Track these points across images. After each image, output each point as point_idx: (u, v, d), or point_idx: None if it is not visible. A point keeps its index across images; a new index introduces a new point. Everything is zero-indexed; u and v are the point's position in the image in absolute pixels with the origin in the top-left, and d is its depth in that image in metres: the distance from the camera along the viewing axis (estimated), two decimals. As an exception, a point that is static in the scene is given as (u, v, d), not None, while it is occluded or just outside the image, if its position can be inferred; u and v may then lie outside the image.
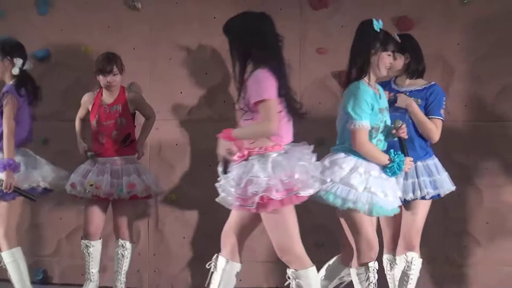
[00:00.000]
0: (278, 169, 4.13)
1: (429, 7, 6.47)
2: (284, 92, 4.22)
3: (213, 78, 6.76)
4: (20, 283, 5.80)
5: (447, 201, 5.96)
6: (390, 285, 5.34)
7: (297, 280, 4.54)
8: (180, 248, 6.74)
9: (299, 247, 4.43)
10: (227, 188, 4.25)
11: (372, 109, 4.52)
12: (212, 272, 4.92)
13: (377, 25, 4.76)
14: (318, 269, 5.75)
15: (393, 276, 5.37)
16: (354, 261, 4.63)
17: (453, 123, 6.32)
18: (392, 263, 5.38)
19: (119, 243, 6.07)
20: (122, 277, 6.13)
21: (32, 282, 6.37)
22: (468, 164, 6.19)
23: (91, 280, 6.08)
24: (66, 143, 6.67)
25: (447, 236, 6.36)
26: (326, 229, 6.45)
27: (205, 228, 6.66)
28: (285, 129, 4.30)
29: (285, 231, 4.31)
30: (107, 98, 6.08)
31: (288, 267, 4.63)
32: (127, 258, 6.13)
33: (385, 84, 5.39)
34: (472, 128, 6.42)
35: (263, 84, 4.12)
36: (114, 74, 5.95)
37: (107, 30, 6.82)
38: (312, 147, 4.39)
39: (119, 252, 6.08)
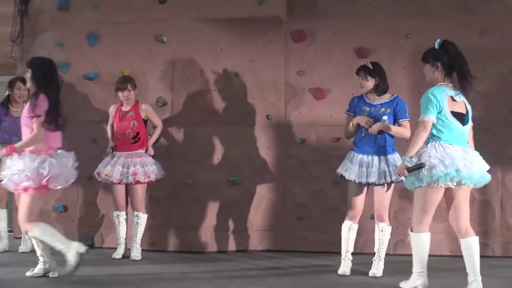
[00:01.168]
0: (41, 166, 5.19)
1: (381, 40, 7.07)
2: (53, 111, 5.31)
3: (221, 93, 7.32)
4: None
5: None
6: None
7: None
8: (194, 219, 7.24)
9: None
10: (9, 176, 5.26)
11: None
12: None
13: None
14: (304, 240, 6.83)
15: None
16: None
17: None
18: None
19: (134, 213, 6.69)
20: (138, 239, 6.67)
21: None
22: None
23: (121, 243, 6.72)
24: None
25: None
26: (305, 206, 7.17)
27: (213, 205, 7.25)
28: (52, 137, 5.36)
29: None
30: (125, 107, 6.76)
31: None
32: (141, 225, 6.69)
33: (359, 98, 5.89)
34: (413, 129, 6.18)
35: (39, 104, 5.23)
36: (129, 90, 6.65)
37: (141, 57, 7.42)
38: (72, 153, 5.45)
39: (135, 220, 6.67)
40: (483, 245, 6.65)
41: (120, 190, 6.73)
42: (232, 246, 7.26)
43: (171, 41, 7.43)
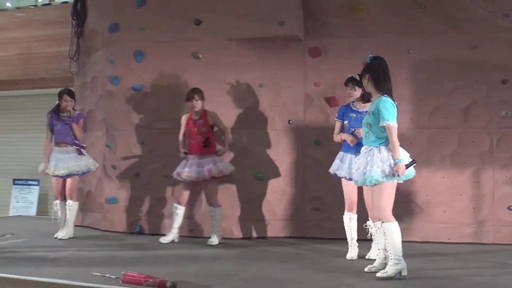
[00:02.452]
0: None
1: (386, 55, 6.29)
2: None
3: (249, 101, 7.46)
4: (73, 219, 7.07)
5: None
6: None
7: None
8: (227, 210, 7.21)
9: None
10: None
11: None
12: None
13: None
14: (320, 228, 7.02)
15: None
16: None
17: (402, 130, 6.45)
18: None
19: (210, 208, 6.89)
20: (216, 229, 6.85)
21: (131, 233, 7.54)
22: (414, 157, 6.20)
23: (172, 233, 6.90)
24: (155, 143, 7.60)
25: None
26: (321, 199, 7.28)
27: (242, 197, 7.38)
28: None
29: None
30: (195, 115, 6.90)
31: None
32: (218, 215, 6.88)
33: (346, 106, 5.92)
34: (416, 133, 6.96)
35: None
36: (196, 100, 6.82)
37: (180, 71, 7.59)
38: None
39: (211, 214, 6.87)
40: (478, 234, 6.83)
41: (189, 188, 6.90)
42: (257, 233, 7.37)
43: (205, 57, 7.55)
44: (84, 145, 7.22)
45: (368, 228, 5.60)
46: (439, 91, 6.97)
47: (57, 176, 7.04)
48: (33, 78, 10.60)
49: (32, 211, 10.79)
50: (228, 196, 7.38)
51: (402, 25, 7.13)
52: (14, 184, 11.08)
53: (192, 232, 7.49)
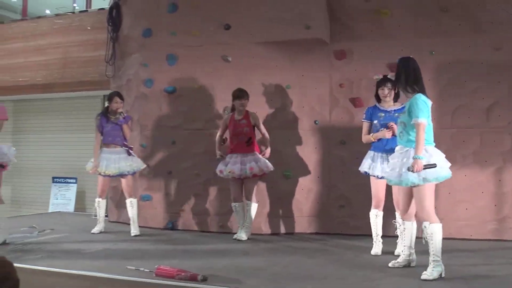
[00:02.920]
0: None
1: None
2: None
3: (276, 102, 7.45)
4: (136, 216, 7.05)
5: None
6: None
7: None
8: (258, 207, 7.13)
9: None
10: None
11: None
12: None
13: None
14: (346, 225, 6.96)
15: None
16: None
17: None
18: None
19: (247, 202, 6.86)
20: (247, 224, 6.84)
21: (164, 229, 7.59)
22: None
23: (241, 226, 6.81)
24: (186, 143, 7.62)
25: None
26: (346, 197, 7.25)
27: (271, 195, 7.38)
28: None
29: None
30: (238, 116, 6.91)
31: None
32: (253, 211, 6.87)
33: (374, 107, 5.87)
34: (439, 132, 6.23)
35: None
36: (245, 99, 6.85)
37: (210, 74, 7.64)
38: None
39: (247, 208, 6.85)
40: (499, 231, 6.73)
41: (238, 184, 6.90)
42: (285, 229, 7.36)
43: (234, 61, 7.57)
44: (132, 146, 7.29)
45: (396, 225, 5.60)
46: (462, 91, 6.88)
47: (107, 175, 7.10)
48: (71, 82, 10.74)
49: (70, 208, 10.96)
50: (257, 194, 7.36)
51: (425, 28, 7.07)
52: (53, 182, 11.27)
53: (222, 228, 7.54)
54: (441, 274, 4.69)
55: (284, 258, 5.74)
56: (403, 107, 5.55)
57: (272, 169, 6.92)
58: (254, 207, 6.93)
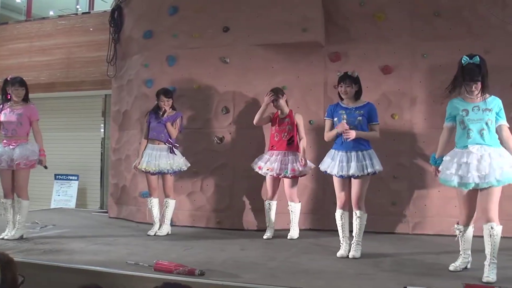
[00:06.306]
0: None
1: (402, 59, 7.07)
2: None
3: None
4: (170, 216, 6.91)
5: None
6: None
7: None
8: (254, 204, 7.26)
9: None
10: None
11: None
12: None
13: None
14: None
15: None
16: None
17: (417, 129, 7.00)
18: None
19: (289, 203, 6.71)
20: (294, 223, 6.66)
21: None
22: (427, 154, 6.49)
23: (270, 226, 6.74)
24: (185, 141, 7.52)
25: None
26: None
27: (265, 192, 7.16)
28: None
29: None
30: (282, 114, 6.73)
31: None
32: (297, 211, 6.70)
33: (335, 105, 5.67)
34: (429, 132, 6.87)
35: None
36: (280, 99, 6.64)
37: (209, 75, 7.57)
38: None
39: (289, 209, 6.70)
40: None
41: (275, 183, 6.69)
42: (280, 225, 7.20)
43: (233, 62, 7.55)
44: (177, 145, 7.09)
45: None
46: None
47: (148, 172, 6.92)
48: (74, 81, 10.73)
49: (72, 204, 10.91)
50: (252, 191, 7.37)
51: (418, 31, 7.06)
52: (55, 178, 11.20)
53: (220, 224, 7.50)
54: (466, 266, 4.74)
55: (281, 253, 5.70)
56: (365, 105, 5.51)
57: (312, 167, 6.67)
58: (298, 207, 6.74)
